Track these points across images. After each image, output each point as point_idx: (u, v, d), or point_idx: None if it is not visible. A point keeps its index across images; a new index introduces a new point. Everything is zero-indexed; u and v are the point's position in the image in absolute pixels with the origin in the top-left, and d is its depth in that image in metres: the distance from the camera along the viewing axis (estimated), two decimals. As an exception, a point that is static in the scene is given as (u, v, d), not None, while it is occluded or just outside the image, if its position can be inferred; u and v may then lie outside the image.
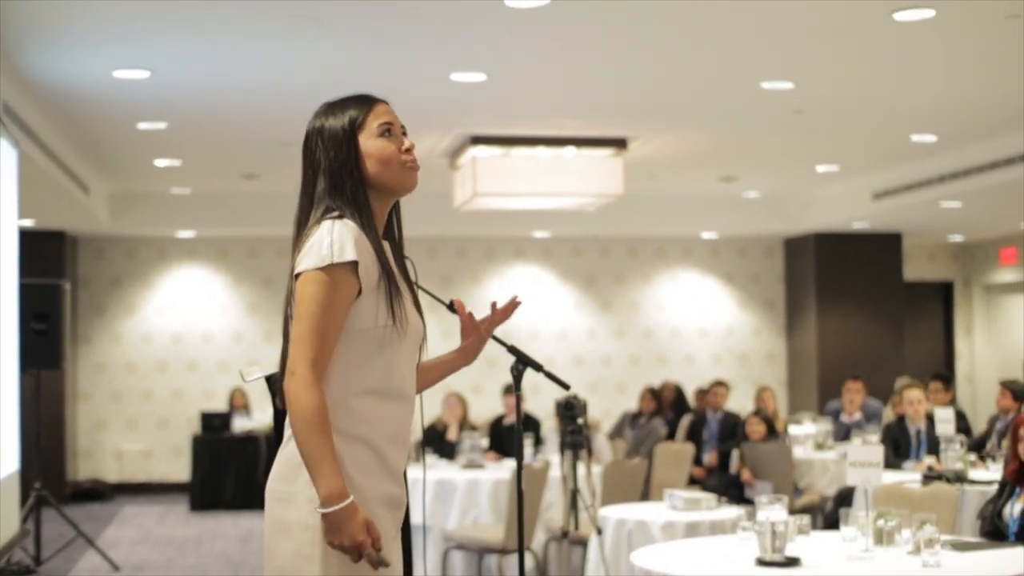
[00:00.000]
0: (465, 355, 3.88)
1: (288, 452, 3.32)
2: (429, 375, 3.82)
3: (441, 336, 17.31)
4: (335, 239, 3.28)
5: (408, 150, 3.53)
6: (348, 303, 3.30)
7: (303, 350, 3.23)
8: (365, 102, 3.53)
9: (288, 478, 3.30)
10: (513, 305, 3.85)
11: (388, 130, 3.49)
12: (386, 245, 3.49)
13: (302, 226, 3.43)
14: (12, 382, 8.91)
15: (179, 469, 17.15)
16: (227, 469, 15.46)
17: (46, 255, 15.46)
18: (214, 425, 15.68)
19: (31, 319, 10.66)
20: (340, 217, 3.35)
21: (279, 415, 3.50)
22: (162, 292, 17.46)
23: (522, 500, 4.17)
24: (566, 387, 4.21)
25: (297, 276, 3.31)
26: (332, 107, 3.52)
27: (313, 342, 3.24)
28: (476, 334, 3.84)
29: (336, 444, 3.24)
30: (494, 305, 3.85)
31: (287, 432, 3.34)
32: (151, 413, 17.41)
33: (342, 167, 3.44)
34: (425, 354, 3.69)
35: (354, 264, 3.29)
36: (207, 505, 15.27)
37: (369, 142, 3.47)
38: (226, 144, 12.41)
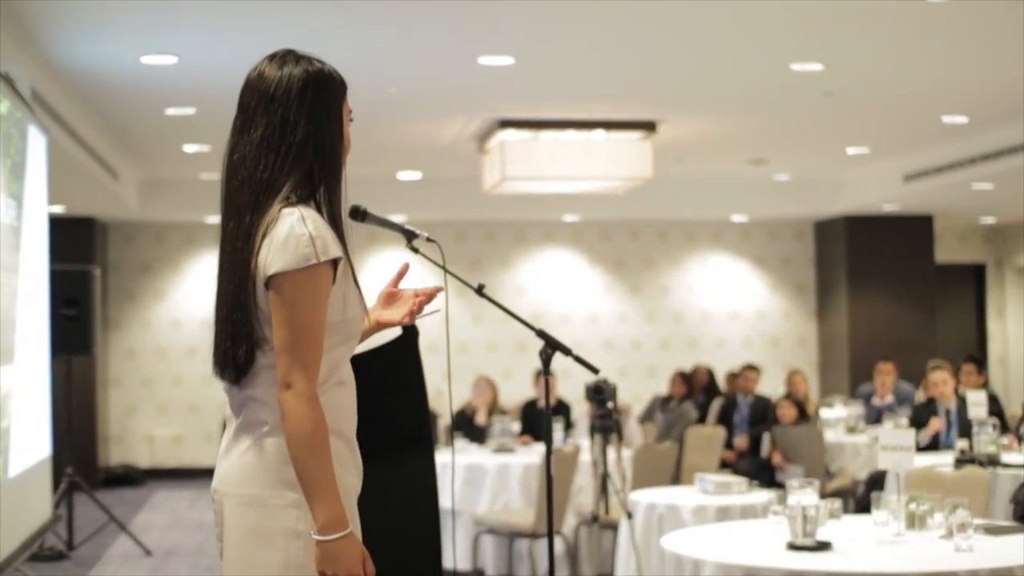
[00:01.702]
0: (378, 325, 3.63)
1: (258, 453, 3.13)
2: None
3: (471, 321, 17.35)
4: (314, 233, 3.06)
5: None
6: (328, 300, 3.10)
7: (296, 361, 3.03)
8: (340, 76, 3.31)
9: (261, 482, 3.10)
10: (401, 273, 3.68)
11: (351, 120, 3.34)
12: None
13: (268, 191, 3.13)
14: (43, 368, 8.94)
15: (210, 454, 17.19)
16: (258, 454, 15.45)
17: (76, 241, 15.50)
18: (245, 410, 15.70)
19: (62, 305, 10.70)
20: (298, 203, 3.11)
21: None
22: (192, 278, 17.49)
23: (551, 484, 4.15)
24: (595, 371, 4.20)
25: (272, 276, 3.06)
26: (312, 60, 3.27)
27: (305, 351, 3.04)
28: (396, 301, 3.64)
29: None
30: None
31: (253, 432, 3.15)
32: (182, 398, 17.47)
33: (334, 138, 3.24)
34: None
35: (335, 261, 3.10)
36: (238, 490, 15.28)
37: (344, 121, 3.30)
38: (255, 129, 12.39)
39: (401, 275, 3.70)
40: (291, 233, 3.05)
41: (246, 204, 3.15)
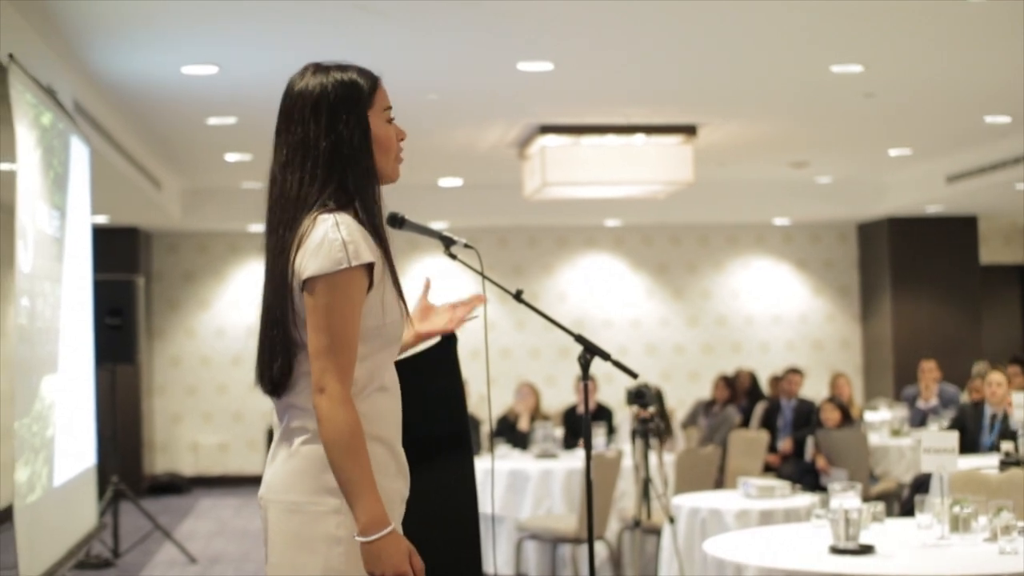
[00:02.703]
0: (419, 337, 3.66)
1: (299, 460, 3.16)
2: None
3: (514, 327, 17.36)
4: (346, 239, 3.07)
5: (402, 140, 3.33)
6: (362, 306, 3.12)
7: (330, 365, 3.06)
8: (370, 76, 3.28)
9: (302, 488, 3.13)
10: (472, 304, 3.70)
11: (391, 117, 3.30)
12: None
13: (301, 205, 3.16)
14: (88, 377, 9.00)
15: (255, 461, 17.27)
16: (302, 461, 15.50)
17: (120, 251, 15.60)
18: (288, 418, 15.74)
19: (106, 315, 10.79)
20: (333, 210, 3.13)
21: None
22: (235, 286, 17.57)
23: (591, 490, 4.15)
24: (634, 375, 4.20)
25: (306, 280, 3.09)
26: (331, 70, 3.26)
27: (338, 355, 3.06)
28: (433, 314, 3.66)
29: None
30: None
31: (294, 439, 3.17)
32: (226, 406, 17.54)
33: (360, 145, 3.21)
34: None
35: (370, 266, 3.10)
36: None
37: (374, 123, 3.25)
38: (296, 138, 12.42)
39: (427, 290, 3.73)
40: (325, 238, 3.08)
41: (280, 221, 3.19)
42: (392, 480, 3.21)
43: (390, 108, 3.31)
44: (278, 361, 3.20)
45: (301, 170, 3.18)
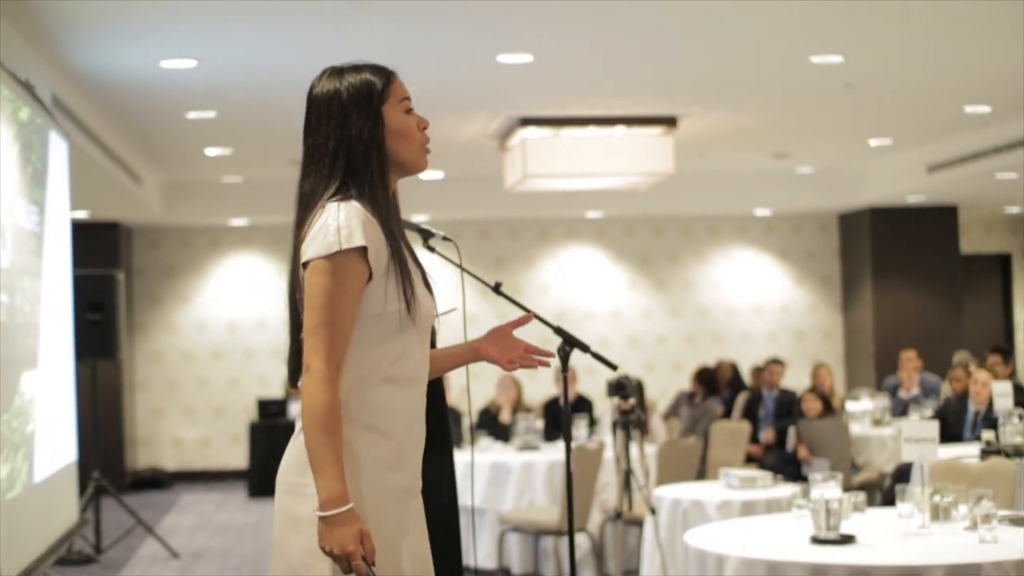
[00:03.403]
0: (478, 355, 3.72)
1: (300, 443, 3.19)
2: (436, 365, 3.64)
3: (496, 319, 17.26)
4: (342, 223, 3.14)
5: (424, 128, 3.41)
6: (359, 290, 3.17)
7: (316, 345, 3.13)
8: (384, 72, 3.38)
9: (300, 470, 3.17)
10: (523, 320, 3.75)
11: (409, 107, 3.38)
12: None
13: (315, 199, 3.25)
14: (68, 373, 8.98)
15: (237, 456, 17.24)
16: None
17: (101, 246, 15.57)
18: (271, 411, 15.75)
19: (86, 310, 10.75)
20: (346, 198, 3.20)
21: None
22: (216, 280, 17.53)
23: (571, 481, 4.15)
24: (613, 367, 4.21)
25: (304, 264, 3.18)
26: (345, 72, 3.35)
27: (326, 336, 3.12)
28: (505, 343, 3.71)
29: (353, 436, 3.16)
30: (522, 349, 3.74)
31: (299, 423, 3.22)
32: (208, 401, 17.51)
33: (370, 139, 3.28)
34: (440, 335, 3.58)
35: (363, 250, 3.15)
36: (265, 492, 15.29)
37: (391, 115, 3.33)
38: (275, 131, 12.41)
39: (522, 323, 3.73)
40: (323, 224, 3.16)
41: (298, 222, 3.29)
42: (390, 473, 3.24)
43: (408, 99, 3.39)
44: (295, 349, 3.32)
45: (316, 172, 3.27)
